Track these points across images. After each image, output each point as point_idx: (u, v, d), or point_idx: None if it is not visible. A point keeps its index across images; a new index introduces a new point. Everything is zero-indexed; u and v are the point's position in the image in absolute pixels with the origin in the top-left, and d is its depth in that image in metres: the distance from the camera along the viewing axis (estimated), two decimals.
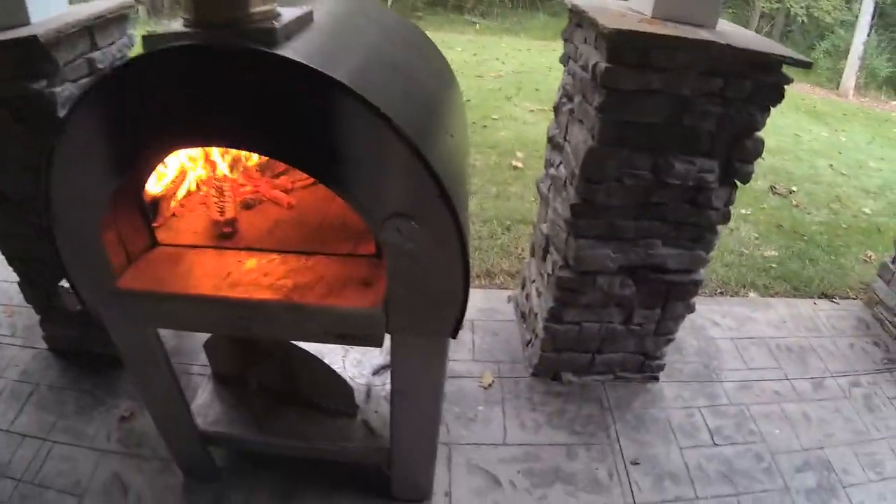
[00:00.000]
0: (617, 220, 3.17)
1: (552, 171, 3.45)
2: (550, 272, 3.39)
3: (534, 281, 3.79)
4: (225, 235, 2.14)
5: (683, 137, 2.95)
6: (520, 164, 7.08)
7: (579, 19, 3.24)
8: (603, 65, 2.75)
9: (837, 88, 14.86)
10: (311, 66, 1.40)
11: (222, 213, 2.15)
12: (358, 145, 1.51)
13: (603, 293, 3.24)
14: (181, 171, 2.27)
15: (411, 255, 1.74)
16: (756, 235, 5.93)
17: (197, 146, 1.85)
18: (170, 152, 1.77)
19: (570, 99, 3.39)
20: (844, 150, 9.13)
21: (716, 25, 2.96)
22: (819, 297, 4.89)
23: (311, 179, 2.35)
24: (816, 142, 9.45)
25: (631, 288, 3.25)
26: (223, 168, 2.30)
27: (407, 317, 1.95)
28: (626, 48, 2.67)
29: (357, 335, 1.94)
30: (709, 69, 2.74)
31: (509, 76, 11.34)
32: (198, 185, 2.38)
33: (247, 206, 2.34)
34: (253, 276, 1.93)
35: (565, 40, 3.57)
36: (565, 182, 3.29)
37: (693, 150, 3.01)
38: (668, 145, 2.97)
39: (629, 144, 2.93)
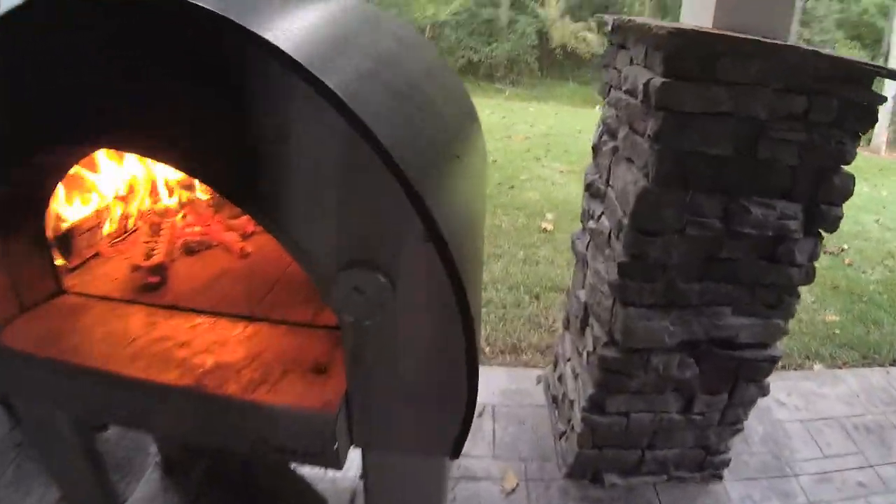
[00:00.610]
0: (677, 281, 2.48)
1: (591, 224, 2.84)
2: (591, 349, 2.72)
3: (569, 359, 3.14)
4: (149, 287, 1.77)
5: (758, 173, 2.41)
6: (549, 227, 6.65)
7: (624, 36, 2.68)
8: (658, 80, 2.16)
9: (869, 145, 14.81)
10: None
11: (149, 256, 1.81)
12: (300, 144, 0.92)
13: (657, 375, 2.57)
14: (114, 198, 1.95)
15: (380, 331, 1.06)
16: (813, 299, 5.51)
17: (78, 145, 1.28)
18: (63, 152, 1.39)
19: (613, 135, 2.80)
20: (888, 205, 8.95)
21: (787, 38, 2.40)
22: (891, 365, 4.45)
23: None
24: (858, 197, 8.92)
25: (692, 368, 2.61)
26: (165, 199, 2.03)
27: (381, 426, 1.26)
28: (687, 56, 2.11)
29: (300, 450, 1.25)
30: (787, 84, 2.20)
31: (538, 138, 11.12)
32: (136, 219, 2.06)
33: (189, 250, 1.99)
34: (165, 345, 1.49)
35: (605, 66, 3.04)
36: (609, 236, 2.67)
37: (770, 189, 2.43)
38: (740, 184, 2.38)
39: (692, 184, 2.31)
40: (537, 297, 5.08)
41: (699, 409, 2.82)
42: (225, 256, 1.99)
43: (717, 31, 2.13)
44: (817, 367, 4.41)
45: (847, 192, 2.44)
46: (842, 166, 2.40)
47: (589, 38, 20.84)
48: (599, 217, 2.96)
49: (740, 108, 2.22)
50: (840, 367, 4.40)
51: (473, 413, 1.27)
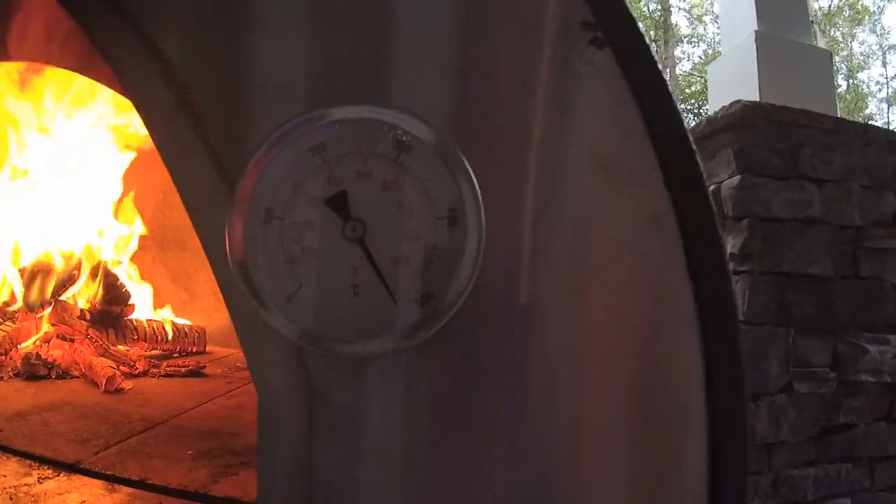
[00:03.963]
0: (787, 467, 1.65)
1: None
2: None
3: None
4: None
5: (865, 298, 1.71)
6: None
7: None
8: (736, 179, 1.51)
9: None
10: None
11: None
12: None
13: None
14: None
15: None
16: None
17: None
18: None
19: None
20: None
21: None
22: None
23: (192, 365, 1.57)
24: None
25: None
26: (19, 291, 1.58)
27: None
28: (769, 139, 1.51)
29: None
30: (873, 179, 1.77)
31: None
32: None
33: (29, 373, 1.46)
34: None
35: None
36: None
37: (880, 319, 1.87)
38: (847, 315, 1.66)
39: (795, 319, 1.57)
40: None
41: None
42: (82, 388, 1.48)
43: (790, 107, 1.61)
44: None
45: None
46: None
47: None
48: None
49: (833, 213, 1.69)
50: None
51: None
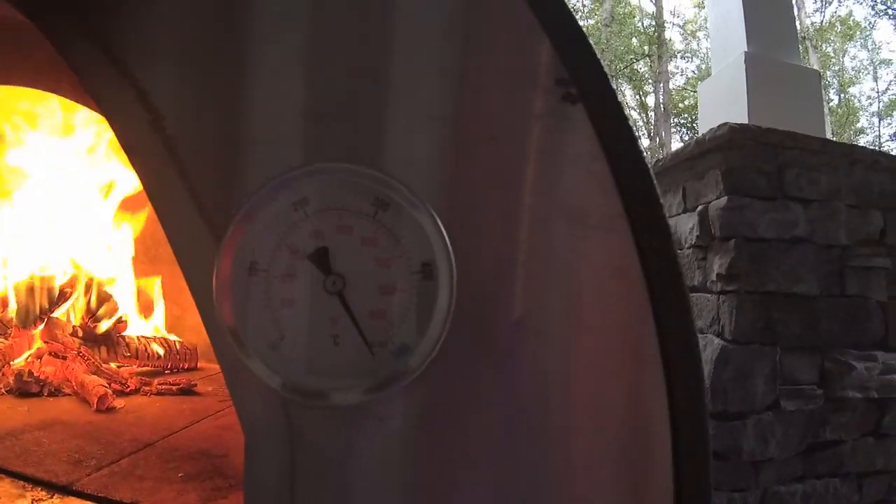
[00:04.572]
0: (775, 484, 1.66)
1: None
2: None
3: None
4: None
5: (850, 316, 1.74)
6: None
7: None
8: (723, 200, 1.54)
9: None
10: None
11: None
12: None
13: None
14: None
15: None
16: None
17: None
18: None
19: None
20: None
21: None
22: None
23: (183, 382, 1.57)
24: None
25: None
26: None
27: None
28: (755, 160, 1.55)
29: None
30: (859, 198, 1.81)
31: None
32: None
33: (21, 389, 1.44)
34: None
35: None
36: None
37: (866, 336, 1.89)
38: (833, 333, 1.68)
39: (781, 338, 1.60)
40: None
41: None
42: (74, 406, 1.45)
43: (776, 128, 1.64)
44: None
45: None
46: None
47: None
48: None
49: (819, 233, 1.74)
50: None
51: None
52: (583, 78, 0.43)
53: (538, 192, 0.42)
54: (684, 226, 1.79)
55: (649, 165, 0.43)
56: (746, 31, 2.36)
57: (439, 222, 0.41)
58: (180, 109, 0.46)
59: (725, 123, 1.55)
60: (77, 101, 1.31)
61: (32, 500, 1.03)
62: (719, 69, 2.53)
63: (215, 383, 1.65)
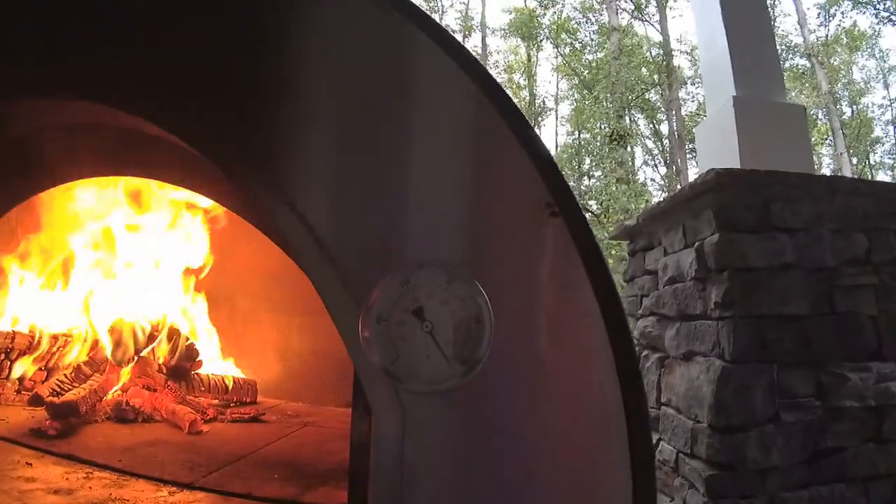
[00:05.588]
0: (781, 491, 1.82)
1: None
2: None
3: None
4: (39, 433, 1.46)
5: (842, 331, 1.92)
6: None
7: (650, 232, 2.36)
8: (715, 236, 1.75)
9: None
10: None
11: (56, 394, 1.61)
12: None
13: None
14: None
15: None
16: None
17: None
18: None
19: (656, 347, 2.33)
20: None
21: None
22: None
23: (253, 412, 1.85)
24: None
25: None
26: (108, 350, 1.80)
27: None
28: (742, 199, 1.76)
29: None
30: (841, 223, 1.99)
31: None
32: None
33: (121, 417, 1.69)
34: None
35: (629, 281, 2.71)
36: (677, 461, 2.02)
37: (859, 349, 2.02)
38: (827, 348, 1.86)
39: (777, 355, 1.79)
40: None
41: None
42: (167, 430, 1.67)
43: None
44: None
45: None
46: None
47: None
48: (657, 445, 2.33)
49: (807, 258, 1.92)
50: None
51: None
52: (561, 200, 0.72)
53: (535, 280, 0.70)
54: (685, 260, 2.00)
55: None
56: (734, 76, 2.59)
57: (482, 290, 0.70)
58: (332, 225, 0.74)
59: (712, 169, 1.78)
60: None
61: (169, 492, 1.27)
62: (712, 112, 2.77)
63: (276, 413, 1.89)
